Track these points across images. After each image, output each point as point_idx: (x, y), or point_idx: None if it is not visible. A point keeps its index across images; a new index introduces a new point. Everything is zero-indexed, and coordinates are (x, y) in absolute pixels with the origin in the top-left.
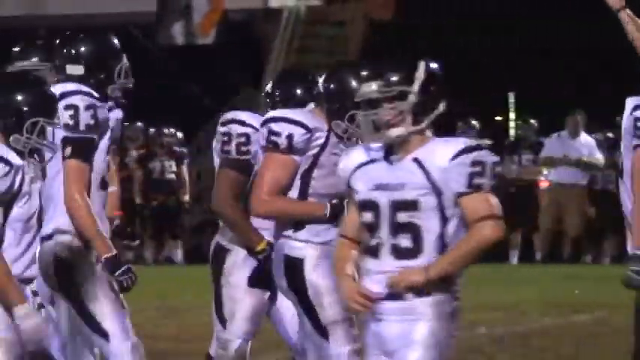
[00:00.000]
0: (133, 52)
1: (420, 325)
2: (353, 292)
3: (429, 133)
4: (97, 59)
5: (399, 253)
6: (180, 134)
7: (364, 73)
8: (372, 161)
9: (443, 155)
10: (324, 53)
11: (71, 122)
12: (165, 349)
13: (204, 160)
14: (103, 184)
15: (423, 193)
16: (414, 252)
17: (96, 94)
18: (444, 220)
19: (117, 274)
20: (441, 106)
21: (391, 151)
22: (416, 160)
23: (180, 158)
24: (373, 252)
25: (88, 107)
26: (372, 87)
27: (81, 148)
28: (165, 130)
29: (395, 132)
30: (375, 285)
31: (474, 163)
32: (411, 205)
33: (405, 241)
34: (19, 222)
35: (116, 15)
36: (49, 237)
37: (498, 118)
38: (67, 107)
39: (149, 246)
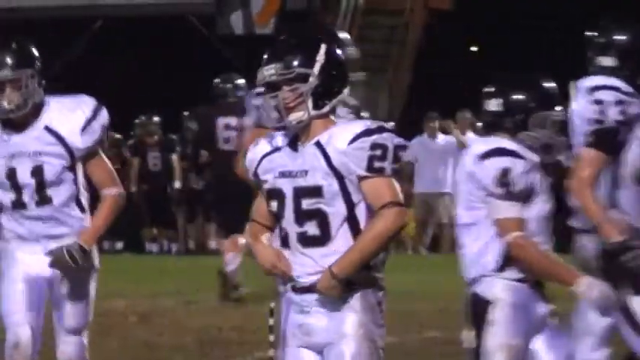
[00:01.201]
0: (191, 42)
1: (348, 317)
2: (273, 255)
3: (332, 117)
4: (631, 50)
5: (306, 241)
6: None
7: (265, 55)
8: (277, 149)
9: (342, 139)
10: (382, 43)
11: (597, 117)
12: (231, 338)
13: None
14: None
15: (325, 179)
16: (322, 239)
17: (626, 89)
18: (351, 204)
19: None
20: (345, 91)
21: (297, 137)
22: (317, 144)
23: None
24: (284, 242)
25: (617, 103)
26: (271, 71)
27: (603, 139)
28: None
29: (295, 116)
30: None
31: (374, 146)
32: (315, 192)
33: (312, 229)
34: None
35: (175, 5)
36: None
37: None
38: (597, 102)
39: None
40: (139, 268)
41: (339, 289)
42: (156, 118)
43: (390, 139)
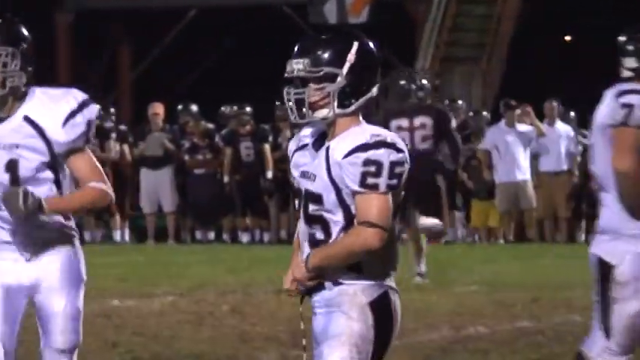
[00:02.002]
0: (285, 31)
1: (335, 318)
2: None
3: (359, 116)
4: None
5: (313, 243)
6: None
7: (297, 47)
8: (303, 147)
9: (340, 150)
10: (476, 32)
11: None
12: None
13: None
14: None
15: (325, 188)
16: (325, 244)
17: None
18: (349, 215)
19: None
20: (374, 90)
21: (324, 135)
22: (327, 150)
23: None
24: (305, 239)
25: None
26: (299, 65)
27: None
28: None
29: (320, 113)
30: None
31: (367, 162)
32: (318, 199)
33: (318, 233)
34: None
35: None
36: None
37: None
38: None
39: None
40: (232, 258)
41: (308, 278)
42: (248, 108)
43: (386, 156)
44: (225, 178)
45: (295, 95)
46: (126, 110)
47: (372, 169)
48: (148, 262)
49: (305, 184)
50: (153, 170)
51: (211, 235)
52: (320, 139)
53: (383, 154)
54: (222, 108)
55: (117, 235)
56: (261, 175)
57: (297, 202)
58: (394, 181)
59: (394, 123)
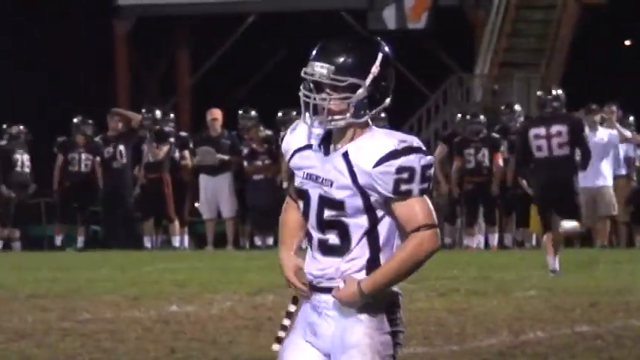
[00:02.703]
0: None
1: (354, 327)
2: (290, 270)
3: (370, 123)
4: None
5: (326, 249)
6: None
7: (321, 48)
8: (309, 147)
9: (368, 159)
10: (535, 37)
11: None
12: None
13: None
14: None
15: (349, 195)
16: (342, 249)
17: None
18: (374, 219)
19: None
20: (387, 101)
21: (330, 137)
22: (345, 156)
23: None
24: (310, 243)
25: None
26: (323, 70)
27: None
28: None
29: (336, 123)
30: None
31: (400, 170)
32: (338, 205)
33: (332, 238)
34: None
35: (328, 0)
36: None
37: None
38: None
39: None
40: None
41: (360, 303)
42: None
43: (417, 161)
44: (284, 184)
45: (317, 101)
46: (185, 116)
47: (405, 175)
48: (206, 267)
49: (316, 189)
50: (212, 176)
51: (270, 240)
52: (325, 141)
53: (414, 160)
54: (280, 114)
55: (176, 241)
56: None
57: (300, 204)
58: (426, 185)
59: (533, 131)
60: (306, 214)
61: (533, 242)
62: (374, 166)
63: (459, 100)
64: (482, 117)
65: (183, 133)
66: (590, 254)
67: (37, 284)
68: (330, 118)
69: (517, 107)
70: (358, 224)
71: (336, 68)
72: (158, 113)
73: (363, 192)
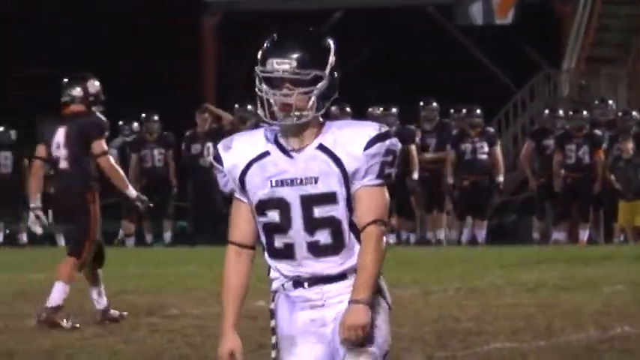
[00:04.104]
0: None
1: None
2: (226, 352)
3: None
4: None
5: (318, 250)
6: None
7: (274, 44)
8: (267, 154)
9: (356, 143)
10: (622, 32)
11: None
12: (469, 329)
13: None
14: None
15: (339, 184)
16: (335, 247)
17: None
18: (351, 210)
19: None
20: (336, 92)
21: (280, 139)
22: (322, 148)
23: (491, 138)
24: (285, 254)
25: None
26: (285, 66)
27: None
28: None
29: (303, 117)
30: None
31: (387, 152)
32: (329, 198)
33: (324, 238)
34: None
35: None
36: None
37: None
38: None
39: (455, 226)
40: None
41: (370, 312)
42: (394, 109)
43: (397, 145)
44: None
45: (282, 98)
46: None
47: (390, 158)
48: None
49: (294, 192)
50: None
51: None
52: (280, 146)
53: (396, 144)
54: (370, 109)
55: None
56: (407, 176)
57: (272, 214)
58: (395, 170)
59: None
60: (284, 223)
61: (621, 237)
62: (365, 149)
63: (546, 97)
64: (585, 112)
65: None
66: None
67: (126, 280)
68: (298, 113)
69: (610, 102)
70: (345, 216)
71: (297, 63)
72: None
73: (347, 179)
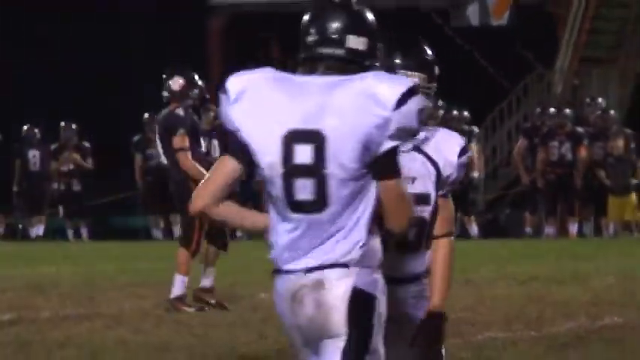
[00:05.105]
0: (425, 33)
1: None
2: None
3: None
4: None
5: (402, 246)
6: (466, 113)
7: (406, 57)
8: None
9: (450, 149)
10: (613, 34)
11: None
12: (463, 319)
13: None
14: None
15: (432, 187)
16: (416, 245)
17: None
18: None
19: None
20: None
21: None
22: (420, 151)
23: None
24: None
25: None
26: (416, 80)
27: None
28: (455, 112)
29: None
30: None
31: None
32: (423, 199)
33: (411, 234)
34: None
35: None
36: None
37: None
38: None
39: None
40: None
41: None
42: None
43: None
44: None
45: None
46: None
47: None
48: None
49: None
50: None
51: None
52: None
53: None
54: None
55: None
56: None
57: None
58: None
59: None
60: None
61: (610, 231)
62: (459, 155)
63: (539, 94)
64: (567, 110)
65: None
66: None
67: (136, 273)
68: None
69: (600, 100)
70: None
71: (427, 76)
72: None
73: (439, 184)
